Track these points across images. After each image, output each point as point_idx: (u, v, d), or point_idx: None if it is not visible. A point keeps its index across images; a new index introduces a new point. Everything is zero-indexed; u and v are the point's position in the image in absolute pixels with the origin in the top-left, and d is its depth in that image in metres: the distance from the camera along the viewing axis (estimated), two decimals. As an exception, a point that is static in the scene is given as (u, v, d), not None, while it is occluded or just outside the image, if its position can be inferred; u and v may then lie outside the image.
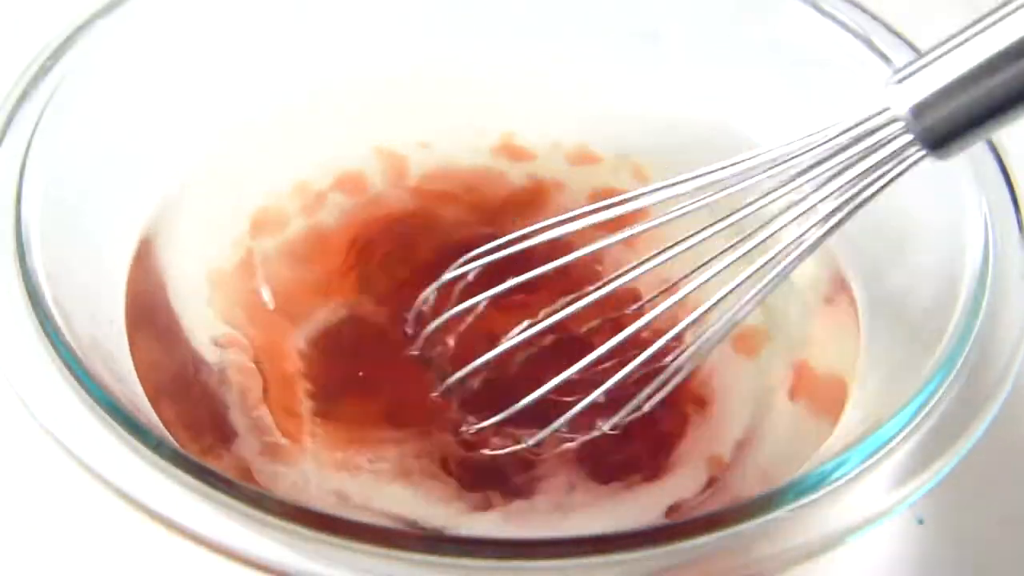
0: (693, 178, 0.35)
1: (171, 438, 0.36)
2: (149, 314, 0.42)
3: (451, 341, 0.42)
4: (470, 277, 0.40)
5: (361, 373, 0.42)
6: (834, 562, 0.41)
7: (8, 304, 0.35)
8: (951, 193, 0.41)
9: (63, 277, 0.37)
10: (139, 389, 0.38)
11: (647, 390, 0.38)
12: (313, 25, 0.51)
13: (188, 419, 0.39)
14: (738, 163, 0.33)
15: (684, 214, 0.35)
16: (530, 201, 0.49)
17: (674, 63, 0.51)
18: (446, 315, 0.41)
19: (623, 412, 0.38)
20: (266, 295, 0.45)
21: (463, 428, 0.40)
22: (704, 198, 0.34)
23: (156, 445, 0.32)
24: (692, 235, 0.35)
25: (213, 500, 0.31)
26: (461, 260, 0.41)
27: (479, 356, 0.39)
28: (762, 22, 0.49)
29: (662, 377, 0.38)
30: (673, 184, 0.35)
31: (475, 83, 0.51)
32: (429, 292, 0.42)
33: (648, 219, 0.36)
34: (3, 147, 0.39)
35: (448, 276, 0.41)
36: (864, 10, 0.46)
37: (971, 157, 0.41)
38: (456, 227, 0.47)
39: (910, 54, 0.44)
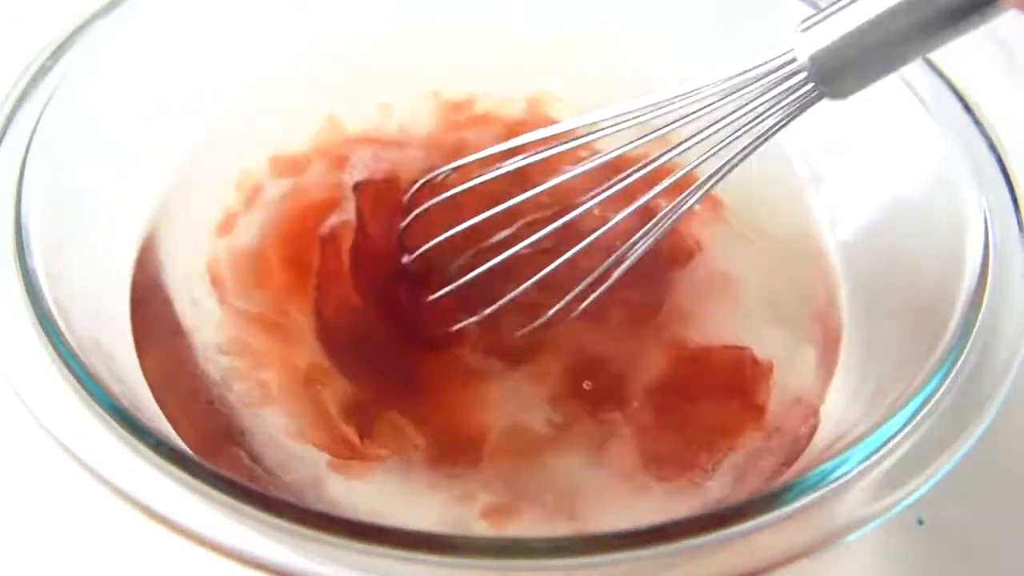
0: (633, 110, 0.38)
1: (174, 437, 0.36)
2: (153, 314, 0.42)
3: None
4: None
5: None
6: (834, 562, 0.41)
7: (8, 304, 0.35)
8: (951, 193, 0.41)
9: (63, 277, 0.37)
10: (139, 389, 0.38)
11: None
12: (313, 24, 0.51)
13: (192, 417, 0.39)
14: (665, 98, 0.38)
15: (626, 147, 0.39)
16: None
17: (674, 62, 0.51)
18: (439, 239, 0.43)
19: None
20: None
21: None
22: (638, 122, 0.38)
23: (156, 445, 0.32)
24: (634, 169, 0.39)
25: (213, 500, 0.31)
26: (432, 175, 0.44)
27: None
28: (762, 22, 0.49)
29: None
30: (613, 117, 0.39)
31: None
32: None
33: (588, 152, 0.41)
34: (3, 147, 0.39)
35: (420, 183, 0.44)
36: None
37: (971, 157, 0.41)
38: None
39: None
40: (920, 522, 0.44)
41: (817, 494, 0.32)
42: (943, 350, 0.36)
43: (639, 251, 0.40)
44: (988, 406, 0.35)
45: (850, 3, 0.33)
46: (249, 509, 0.31)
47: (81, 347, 0.35)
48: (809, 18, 0.34)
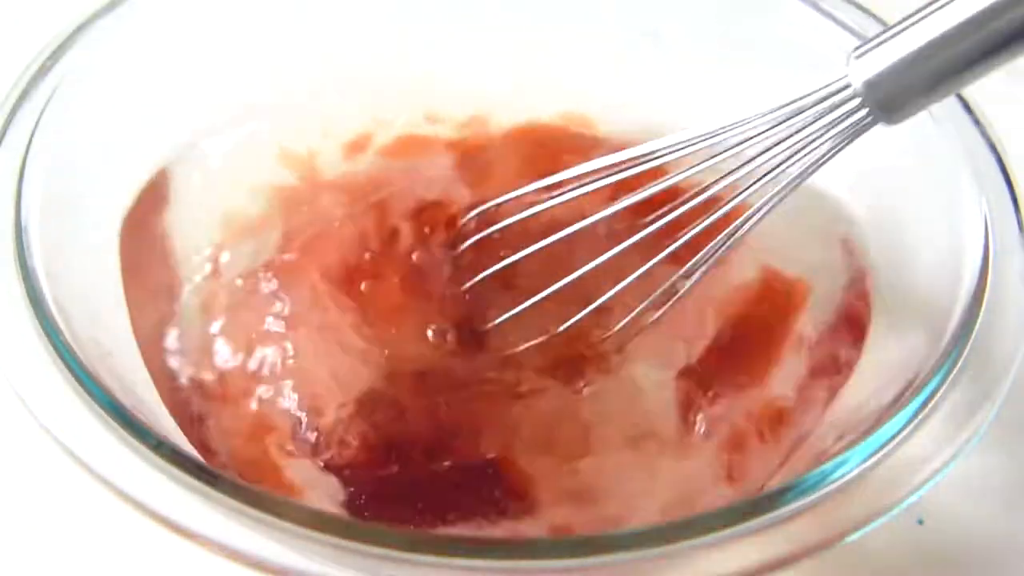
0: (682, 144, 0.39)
1: (174, 437, 0.37)
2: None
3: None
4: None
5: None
6: (834, 562, 0.41)
7: (8, 304, 0.35)
8: (951, 193, 0.41)
9: (63, 277, 0.37)
10: (139, 389, 0.38)
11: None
12: (312, 24, 0.51)
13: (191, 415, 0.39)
14: (716, 133, 0.38)
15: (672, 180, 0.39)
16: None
17: (673, 62, 0.51)
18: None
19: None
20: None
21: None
22: (689, 162, 0.39)
23: (156, 445, 0.32)
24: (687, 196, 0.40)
25: (213, 500, 0.31)
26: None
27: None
28: (762, 22, 0.49)
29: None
30: (662, 151, 0.39)
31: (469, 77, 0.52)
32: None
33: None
34: (3, 146, 0.39)
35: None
36: (864, 10, 0.46)
37: (971, 157, 0.41)
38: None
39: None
40: (920, 522, 0.44)
41: (817, 494, 0.32)
42: (943, 350, 0.36)
43: (694, 279, 0.41)
44: (988, 406, 0.35)
45: (904, 29, 0.32)
46: (249, 509, 0.31)
47: (81, 347, 0.35)
48: (862, 44, 0.34)
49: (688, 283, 0.41)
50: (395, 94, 0.51)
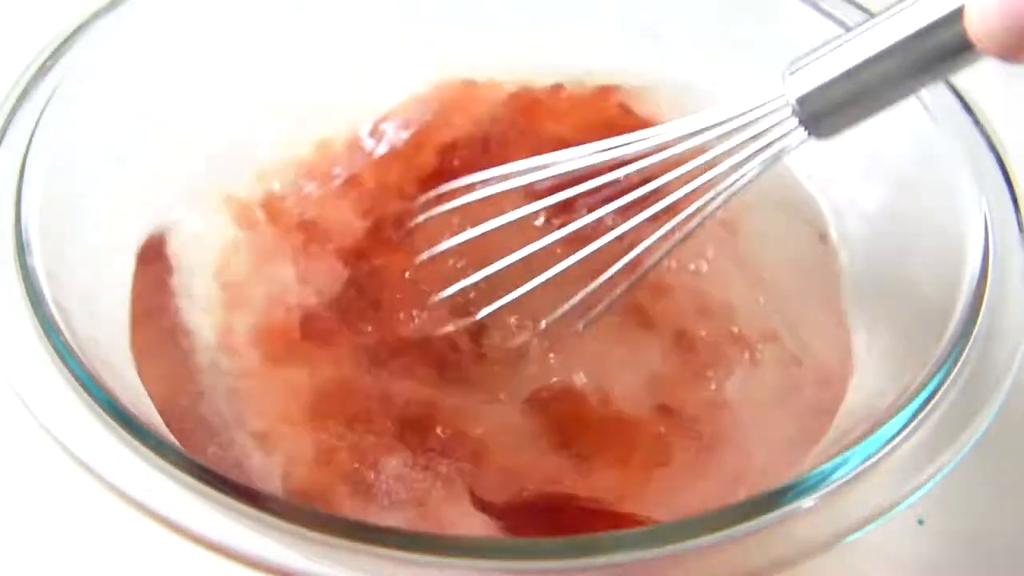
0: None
1: (172, 439, 0.36)
2: (153, 316, 0.42)
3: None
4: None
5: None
6: (834, 562, 0.41)
7: (8, 304, 0.35)
8: (951, 193, 0.41)
9: (63, 277, 0.37)
10: (139, 389, 0.38)
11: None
12: (312, 25, 0.51)
13: (190, 419, 0.39)
14: (653, 136, 0.39)
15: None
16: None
17: (673, 62, 0.51)
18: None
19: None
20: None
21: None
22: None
23: (156, 445, 0.32)
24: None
25: (213, 500, 0.31)
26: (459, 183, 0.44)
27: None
28: (762, 22, 0.49)
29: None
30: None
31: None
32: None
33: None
34: (3, 146, 0.39)
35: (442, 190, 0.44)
36: (864, 10, 0.46)
37: (971, 157, 0.41)
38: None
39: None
40: (920, 522, 0.44)
41: (817, 494, 0.32)
42: (943, 350, 0.36)
43: (648, 265, 0.41)
44: (988, 406, 0.35)
45: (832, 49, 0.34)
46: (248, 509, 0.31)
47: (81, 347, 0.35)
48: (797, 60, 0.35)
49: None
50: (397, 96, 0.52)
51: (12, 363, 0.34)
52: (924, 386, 0.35)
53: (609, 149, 0.40)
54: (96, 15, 0.44)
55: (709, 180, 0.38)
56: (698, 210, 0.39)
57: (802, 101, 0.34)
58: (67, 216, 0.40)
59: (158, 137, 0.46)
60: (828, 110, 0.34)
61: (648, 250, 0.40)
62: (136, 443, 0.32)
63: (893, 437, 0.34)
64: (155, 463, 0.32)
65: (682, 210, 0.39)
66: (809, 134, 0.35)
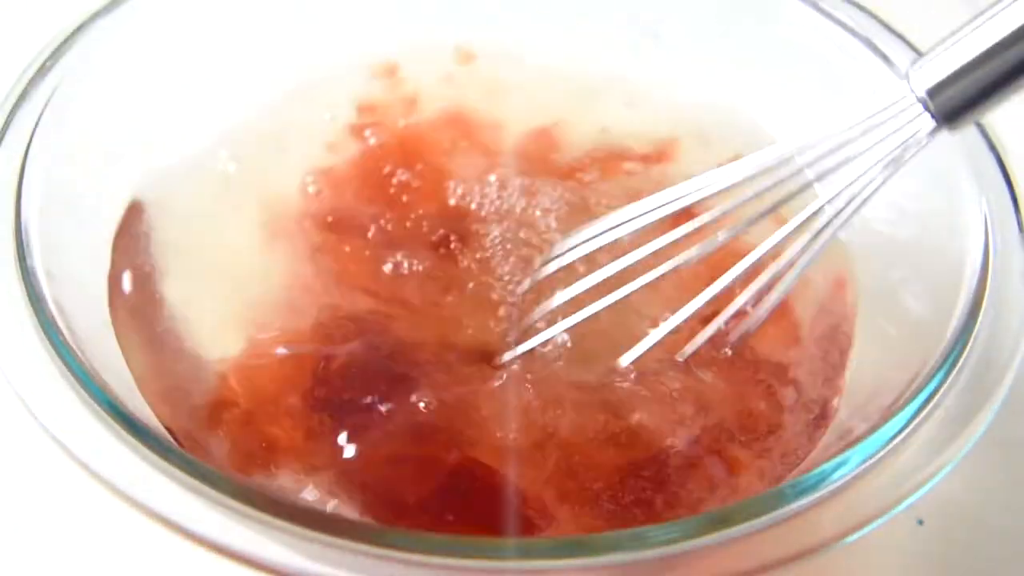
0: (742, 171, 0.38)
1: (169, 438, 0.37)
2: (146, 316, 0.42)
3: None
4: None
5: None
6: (834, 562, 0.41)
7: (8, 304, 0.35)
8: (951, 193, 0.41)
9: (63, 277, 0.37)
10: (139, 389, 0.38)
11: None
12: (312, 25, 0.51)
13: (185, 420, 0.39)
14: (772, 154, 0.38)
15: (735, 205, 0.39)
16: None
17: (673, 63, 0.51)
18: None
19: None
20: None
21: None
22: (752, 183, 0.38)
23: (156, 445, 0.32)
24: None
25: (213, 500, 0.31)
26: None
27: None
28: (762, 22, 0.49)
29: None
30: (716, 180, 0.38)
31: (480, 82, 0.52)
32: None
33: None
34: (3, 147, 0.39)
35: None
36: (864, 10, 0.46)
37: (971, 157, 0.41)
38: None
39: (909, 53, 0.44)
40: (920, 522, 0.44)
41: (817, 494, 0.32)
42: (943, 350, 0.36)
43: (779, 292, 0.40)
44: (988, 406, 0.35)
45: (961, 39, 0.34)
46: (248, 509, 0.31)
47: (81, 347, 0.35)
48: (919, 57, 0.35)
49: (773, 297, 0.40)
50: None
51: (12, 363, 0.34)
52: (924, 386, 0.35)
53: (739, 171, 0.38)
54: (96, 15, 0.44)
55: (839, 194, 0.37)
56: (828, 224, 0.38)
57: (933, 92, 0.34)
58: (67, 216, 0.40)
59: (158, 137, 0.46)
60: (961, 100, 0.34)
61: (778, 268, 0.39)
62: (136, 443, 0.32)
63: (893, 437, 0.34)
64: (155, 463, 0.32)
65: (811, 227, 0.38)
66: (939, 128, 0.35)
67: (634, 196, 0.41)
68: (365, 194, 0.48)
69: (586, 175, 0.49)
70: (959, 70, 0.34)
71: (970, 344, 0.36)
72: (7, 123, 0.40)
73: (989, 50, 0.33)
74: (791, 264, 0.39)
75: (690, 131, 0.50)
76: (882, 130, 0.36)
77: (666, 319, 0.41)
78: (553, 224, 0.46)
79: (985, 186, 0.40)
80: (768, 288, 0.40)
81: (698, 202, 0.39)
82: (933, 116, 0.35)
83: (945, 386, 0.35)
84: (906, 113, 0.35)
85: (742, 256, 0.39)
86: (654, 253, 0.39)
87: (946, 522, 0.43)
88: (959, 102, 0.34)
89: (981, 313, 0.37)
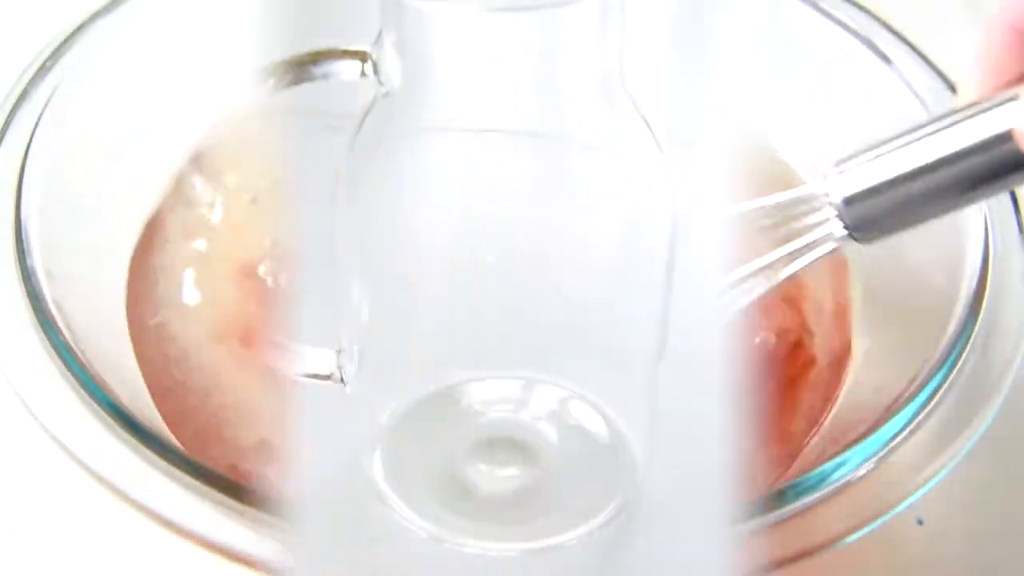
0: None
1: (172, 439, 0.36)
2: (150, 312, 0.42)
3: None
4: None
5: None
6: (834, 563, 0.41)
7: (8, 304, 0.35)
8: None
9: (63, 277, 0.37)
10: (139, 389, 0.38)
11: None
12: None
13: (190, 421, 0.39)
14: None
15: None
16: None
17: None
18: None
19: None
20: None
21: None
22: None
23: (156, 445, 0.32)
24: None
25: (213, 500, 0.31)
26: None
27: None
28: (761, 22, 0.49)
29: None
30: None
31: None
32: None
33: None
34: (3, 147, 0.39)
35: None
36: (864, 10, 0.46)
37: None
38: None
39: (910, 53, 0.44)
40: (920, 522, 0.44)
41: (817, 494, 0.32)
42: (943, 350, 0.36)
43: None
44: (988, 406, 0.35)
45: (879, 156, 0.33)
46: (248, 510, 0.31)
47: (81, 347, 0.35)
48: (843, 160, 0.34)
49: None
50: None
51: (12, 363, 0.34)
52: (924, 386, 0.35)
53: None
54: (96, 15, 0.44)
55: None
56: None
57: (848, 201, 0.33)
58: (67, 216, 0.40)
59: (158, 137, 0.46)
60: (872, 216, 0.33)
61: None
62: (136, 443, 0.32)
63: (893, 437, 0.34)
64: (155, 463, 0.32)
65: None
66: (850, 236, 0.34)
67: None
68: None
69: None
70: (871, 188, 0.33)
71: (970, 344, 0.36)
72: (7, 123, 0.40)
73: (906, 174, 0.32)
74: None
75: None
76: (799, 219, 0.35)
77: None
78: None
79: (985, 186, 0.40)
80: None
81: None
82: (844, 224, 0.33)
83: (945, 386, 0.35)
84: (821, 212, 0.34)
85: None
86: None
87: (946, 522, 0.43)
88: (869, 219, 0.33)
89: (981, 313, 0.37)
